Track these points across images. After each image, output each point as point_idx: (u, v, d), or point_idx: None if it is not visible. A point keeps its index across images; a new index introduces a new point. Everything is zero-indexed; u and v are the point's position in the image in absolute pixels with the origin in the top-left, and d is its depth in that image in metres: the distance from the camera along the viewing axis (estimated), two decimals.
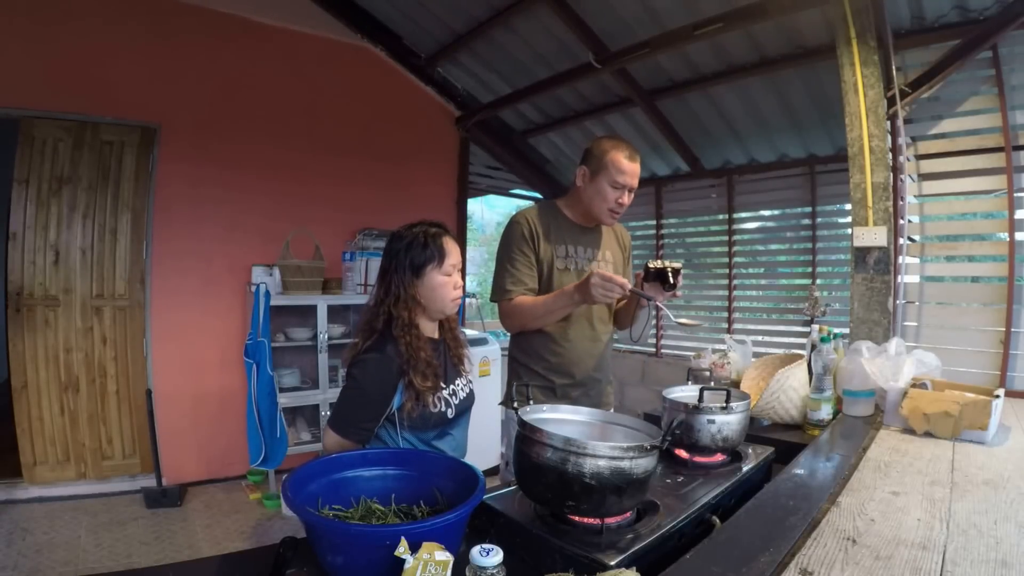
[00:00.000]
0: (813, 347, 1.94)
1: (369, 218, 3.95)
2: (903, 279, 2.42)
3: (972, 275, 2.85)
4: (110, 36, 3.13)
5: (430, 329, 1.37)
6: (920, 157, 2.57)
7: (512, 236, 1.69)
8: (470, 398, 1.42)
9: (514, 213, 1.77)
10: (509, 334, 1.81)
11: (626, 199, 1.67)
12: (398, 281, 1.28)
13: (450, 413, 1.31)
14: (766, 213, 3.91)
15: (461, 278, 1.36)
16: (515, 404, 1.14)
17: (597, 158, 1.66)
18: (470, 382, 1.46)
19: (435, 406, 1.27)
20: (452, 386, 1.35)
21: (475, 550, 0.76)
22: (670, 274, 1.53)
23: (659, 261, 1.56)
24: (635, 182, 1.66)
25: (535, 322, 1.66)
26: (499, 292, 1.68)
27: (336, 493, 1.03)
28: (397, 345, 1.24)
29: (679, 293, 1.57)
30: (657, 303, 1.53)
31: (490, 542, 0.78)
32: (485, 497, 1.06)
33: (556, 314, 1.62)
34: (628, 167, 1.63)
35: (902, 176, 2.41)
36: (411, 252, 1.28)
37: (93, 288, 3.20)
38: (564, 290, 1.57)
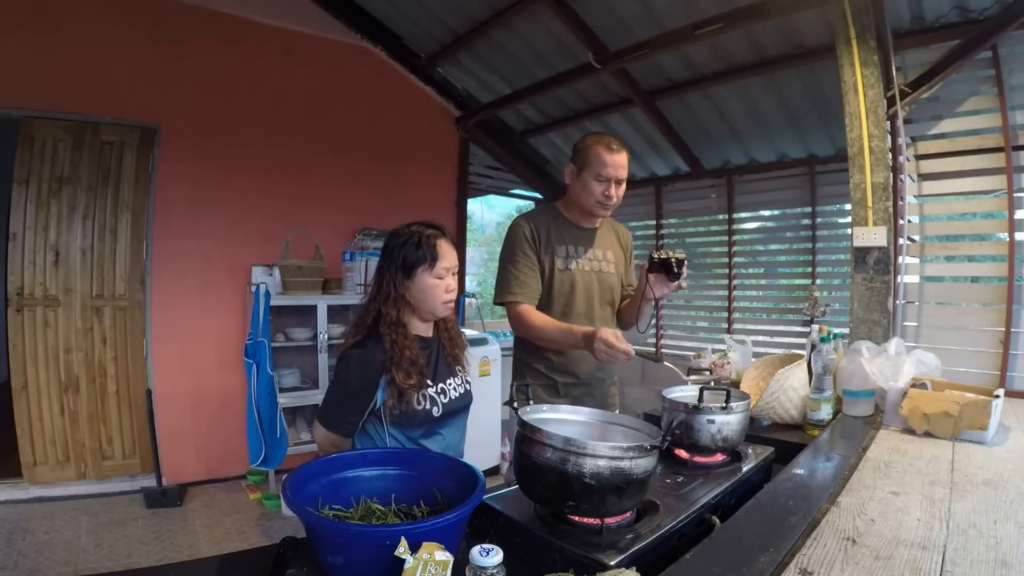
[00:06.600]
0: (813, 347, 1.94)
1: (369, 218, 3.95)
2: (903, 279, 2.42)
3: (972, 275, 2.84)
4: (110, 36, 3.13)
5: (423, 328, 1.36)
6: (920, 157, 2.57)
7: (514, 239, 1.71)
8: (464, 398, 1.41)
9: (515, 216, 1.78)
10: (513, 335, 1.82)
11: (613, 191, 1.66)
12: (390, 279, 1.29)
13: (436, 412, 1.30)
14: (766, 213, 3.91)
15: (456, 281, 1.35)
16: (515, 404, 1.14)
17: (581, 153, 1.68)
18: (467, 382, 1.44)
19: (419, 404, 1.26)
20: (442, 384, 1.34)
21: (475, 550, 0.76)
22: (674, 264, 1.54)
23: (663, 251, 1.57)
24: (621, 173, 1.65)
25: (537, 341, 1.68)
26: (503, 294, 1.69)
27: (336, 493, 1.03)
28: (382, 342, 1.24)
29: (684, 284, 1.58)
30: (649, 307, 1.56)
31: (490, 542, 0.78)
32: (485, 497, 1.06)
33: (558, 345, 1.64)
34: (610, 159, 1.63)
35: (902, 176, 2.41)
36: (404, 251, 1.29)
37: (93, 288, 3.20)
38: (573, 330, 1.54)
